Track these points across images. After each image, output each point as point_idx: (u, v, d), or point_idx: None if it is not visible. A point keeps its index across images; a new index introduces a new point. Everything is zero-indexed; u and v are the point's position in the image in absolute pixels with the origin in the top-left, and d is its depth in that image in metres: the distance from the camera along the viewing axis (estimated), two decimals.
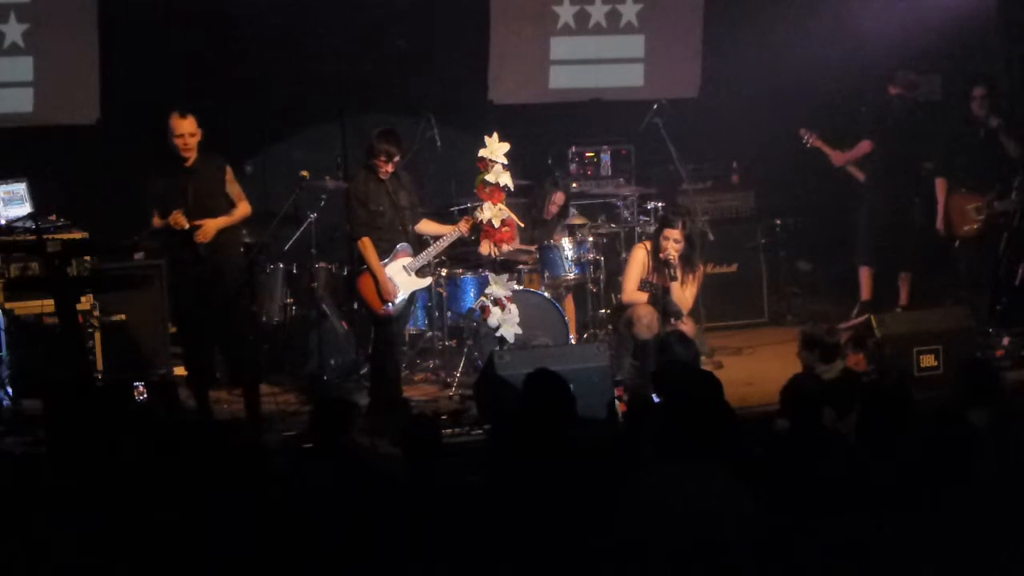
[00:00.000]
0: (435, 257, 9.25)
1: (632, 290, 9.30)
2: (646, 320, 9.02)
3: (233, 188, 8.43)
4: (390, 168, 8.75)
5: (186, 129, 8.18)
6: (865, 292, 11.20)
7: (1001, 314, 10.25)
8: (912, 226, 11.09)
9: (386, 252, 8.81)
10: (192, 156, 8.23)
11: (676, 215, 9.44)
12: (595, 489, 5.28)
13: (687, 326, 9.08)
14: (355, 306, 9.02)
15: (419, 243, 9.15)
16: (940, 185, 10.62)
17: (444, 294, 9.85)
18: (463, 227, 9.08)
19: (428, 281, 9.19)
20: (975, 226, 10.46)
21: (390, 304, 8.79)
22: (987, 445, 5.56)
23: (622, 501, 4.97)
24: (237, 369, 8.53)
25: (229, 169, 8.46)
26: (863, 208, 11.19)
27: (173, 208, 8.18)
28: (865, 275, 11.18)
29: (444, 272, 9.88)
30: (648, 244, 9.41)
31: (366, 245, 8.73)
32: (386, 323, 8.85)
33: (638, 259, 9.36)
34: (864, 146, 11.11)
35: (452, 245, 10.49)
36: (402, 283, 8.86)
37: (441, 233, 9.14)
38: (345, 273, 9.48)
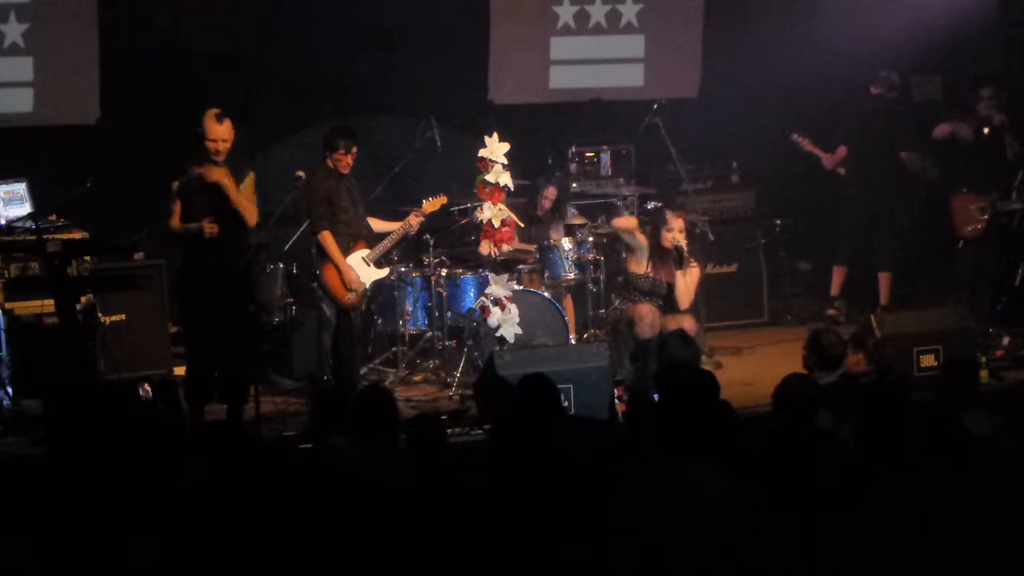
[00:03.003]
0: (390, 248, 9.39)
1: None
2: (648, 319, 9.04)
3: (247, 193, 8.33)
4: (350, 160, 8.91)
5: (220, 134, 8.17)
6: (834, 288, 11.26)
7: (1001, 314, 10.25)
8: (890, 227, 11.12)
9: (348, 245, 8.98)
10: (222, 160, 8.22)
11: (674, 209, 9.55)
12: (595, 489, 5.28)
13: (688, 322, 9.13)
14: (322, 305, 9.07)
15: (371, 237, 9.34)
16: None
17: (444, 294, 9.85)
18: (412, 221, 9.27)
19: (386, 271, 9.37)
20: (979, 226, 10.46)
21: (354, 293, 8.94)
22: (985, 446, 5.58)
23: (621, 501, 4.97)
24: (230, 386, 8.46)
25: (252, 176, 8.41)
26: (841, 208, 11.26)
27: (197, 208, 8.17)
28: (837, 274, 11.27)
29: (444, 272, 9.89)
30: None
31: (327, 238, 8.92)
32: (348, 312, 9.02)
33: (641, 237, 9.41)
34: (842, 151, 11.16)
35: (452, 245, 10.54)
36: (363, 273, 9.05)
37: (388, 229, 9.33)
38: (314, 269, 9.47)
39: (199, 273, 8.26)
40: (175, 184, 8.26)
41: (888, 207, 11.12)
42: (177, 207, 8.24)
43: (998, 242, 10.47)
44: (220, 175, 8.18)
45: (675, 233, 9.25)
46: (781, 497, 5.26)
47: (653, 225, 9.44)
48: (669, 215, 9.33)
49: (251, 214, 8.31)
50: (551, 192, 10.63)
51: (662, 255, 9.30)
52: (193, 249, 8.27)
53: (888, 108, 11.04)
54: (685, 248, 9.26)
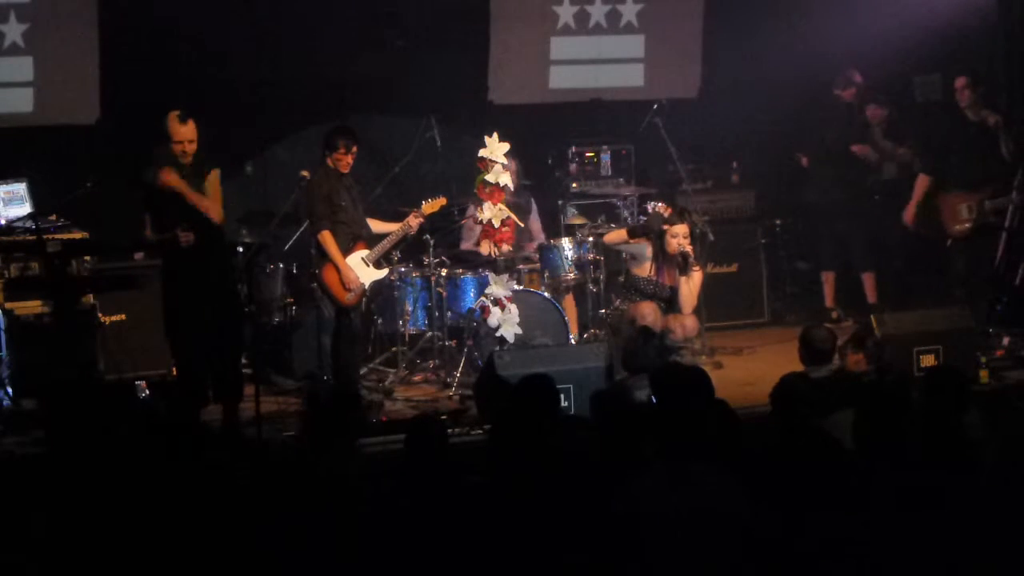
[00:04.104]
0: (389, 248, 9.38)
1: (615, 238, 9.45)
2: (650, 318, 9.06)
3: (212, 192, 8.34)
4: (350, 159, 8.93)
5: (186, 135, 8.18)
6: (828, 299, 11.32)
7: (1001, 314, 10.25)
8: (859, 228, 11.16)
9: (348, 245, 9.00)
10: (189, 161, 8.23)
11: (678, 213, 9.55)
12: (594, 490, 5.28)
13: (690, 322, 9.16)
14: (320, 305, 9.09)
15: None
16: (920, 182, 10.64)
17: (444, 294, 9.86)
18: (412, 222, 9.25)
19: (385, 272, 9.37)
20: (967, 225, 10.47)
21: (352, 293, 8.97)
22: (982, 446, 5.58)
23: (621, 501, 4.97)
24: (225, 387, 8.48)
25: (217, 173, 8.41)
26: (816, 213, 11.41)
27: (167, 215, 8.16)
28: (827, 280, 11.33)
29: (444, 272, 9.89)
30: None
31: (327, 238, 8.93)
32: (348, 312, 9.03)
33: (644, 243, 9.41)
34: (804, 160, 11.24)
35: (452, 245, 10.53)
36: (362, 273, 9.06)
37: (388, 230, 9.33)
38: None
39: (182, 279, 8.26)
40: (146, 192, 8.25)
41: (849, 209, 11.16)
42: (148, 218, 8.25)
43: (991, 241, 10.46)
44: (173, 180, 8.15)
45: (679, 239, 9.28)
46: (781, 497, 5.26)
47: (657, 231, 9.45)
48: (664, 214, 9.34)
49: (215, 212, 8.30)
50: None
51: (666, 260, 9.33)
52: (173, 256, 8.26)
53: (844, 110, 11.08)
54: (692, 253, 9.30)
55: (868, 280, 11.24)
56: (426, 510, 5.29)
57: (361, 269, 9.05)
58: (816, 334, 7.43)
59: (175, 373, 8.97)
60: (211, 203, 8.27)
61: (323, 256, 8.98)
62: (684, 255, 9.27)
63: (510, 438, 5.92)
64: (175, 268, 8.30)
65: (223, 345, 8.32)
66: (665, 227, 9.33)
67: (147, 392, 8.73)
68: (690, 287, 9.33)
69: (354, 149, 8.92)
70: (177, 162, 8.20)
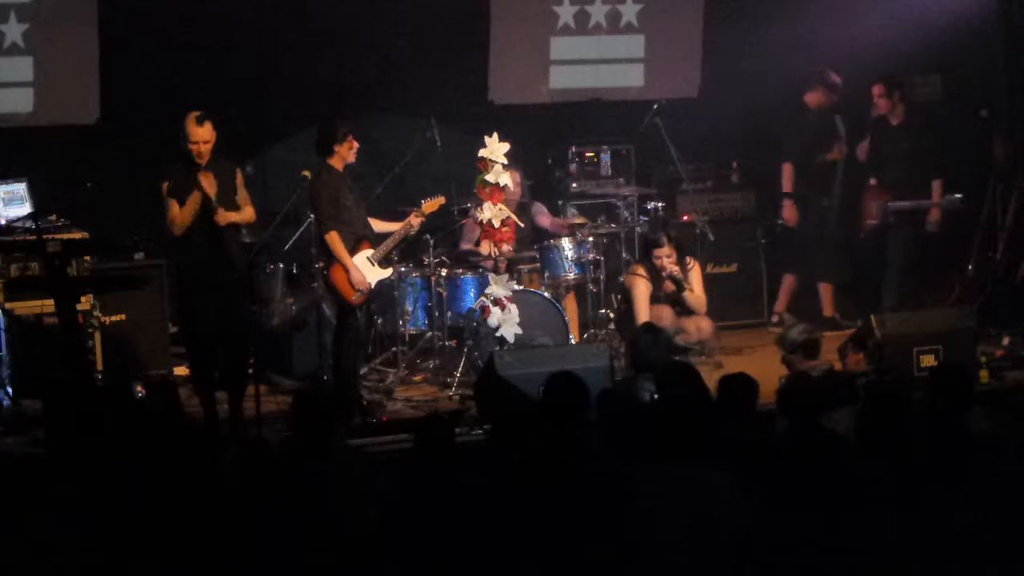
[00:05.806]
0: (392, 248, 9.35)
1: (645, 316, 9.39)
2: (666, 320, 9.12)
3: (241, 192, 8.51)
4: (357, 145, 8.90)
5: (202, 136, 8.27)
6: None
7: (1000, 314, 10.27)
8: (824, 235, 11.24)
9: (353, 244, 8.96)
10: (205, 161, 8.29)
11: (656, 232, 9.62)
12: (595, 490, 5.28)
13: (705, 323, 9.23)
14: (321, 304, 9.10)
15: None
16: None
17: (444, 294, 9.86)
18: (413, 221, 9.23)
19: (390, 271, 9.35)
20: (874, 222, 10.80)
21: (360, 292, 8.94)
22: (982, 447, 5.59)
23: (622, 502, 4.97)
24: (231, 372, 8.52)
25: (240, 172, 8.54)
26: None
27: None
28: (789, 283, 11.41)
29: (444, 272, 9.89)
30: (641, 268, 9.52)
31: (335, 238, 8.87)
32: (353, 312, 9.00)
33: (642, 289, 9.43)
34: (786, 168, 11.26)
35: (452, 245, 10.52)
36: (368, 272, 9.01)
37: (389, 229, 9.29)
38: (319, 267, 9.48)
39: (198, 267, 8.32)
40: (165, 185, 8.30)
41: (818, 217, 11.25)
42: (174, 203, 8.28)
43: (902, 239, 10.76)
44: (222, 172, 8.30)
45: (663, 261, 9.36)
46: (783, 497, 5.26)
47: (643, 252, 9.57)
48: (655, 251, 9.43)
49: (249, 217, 8.49)
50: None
51: (658, 280, 9.46)
52: (191, 243, 8.32)
53: (809, 117, 11.13)
54: (676, 273, 9.37)
55: (826, 290, 11.26)
56: (434, 509, 5.29)
57: (367, 268, 9.02)
58: (794, 333, 7.57)
59: (179, 372, 8.98)
60: (246, 214, 8.48)
61: (330, 256, 8.96)
62: (673, 279, 9.34)
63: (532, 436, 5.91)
64: (192, 255, 8.36)
65: (234, 335, 8.36)
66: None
67: (142, 392, 8.73)
68: (695, 295, 9.45)
69: (355, 136, 8.96)
70: (191, 159, 8.26)
